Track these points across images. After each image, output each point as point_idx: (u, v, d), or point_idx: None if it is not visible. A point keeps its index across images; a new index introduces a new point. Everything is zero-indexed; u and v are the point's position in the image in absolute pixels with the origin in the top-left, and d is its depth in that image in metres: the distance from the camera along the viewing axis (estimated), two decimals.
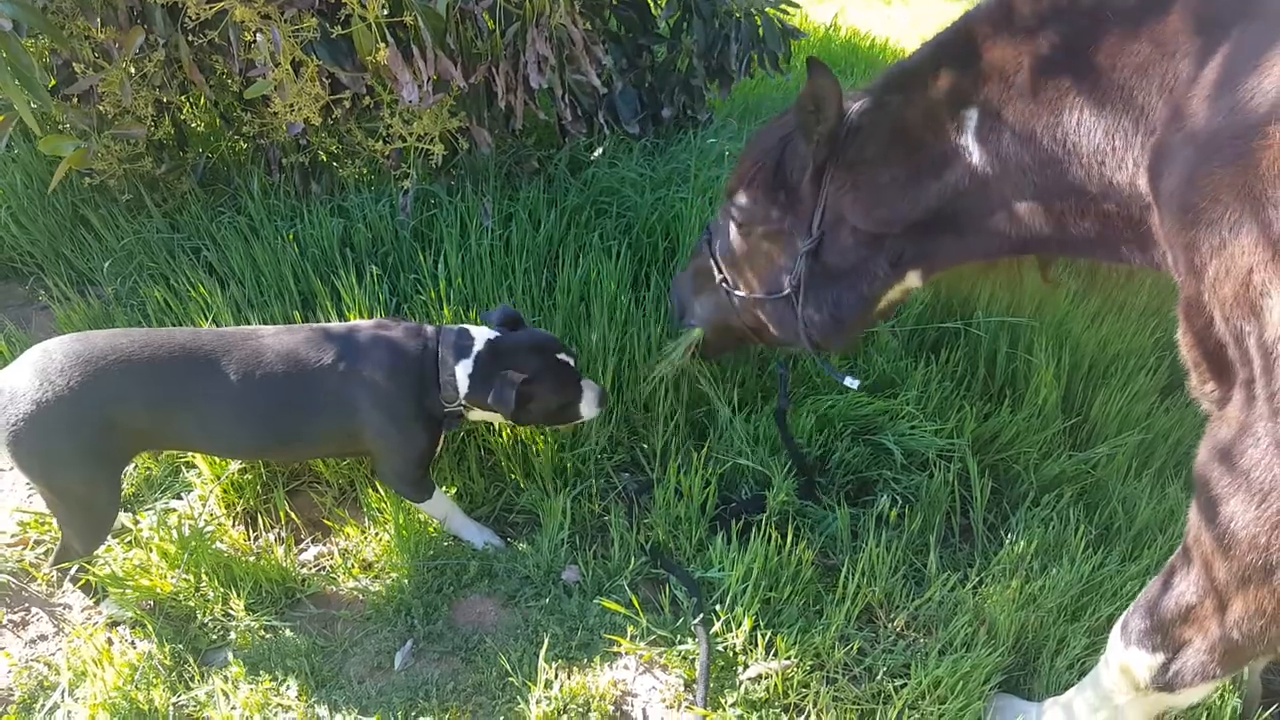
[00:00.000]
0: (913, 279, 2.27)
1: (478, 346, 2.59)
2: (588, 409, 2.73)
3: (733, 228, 2.48)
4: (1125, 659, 1.93)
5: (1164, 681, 1.86)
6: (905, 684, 2.37)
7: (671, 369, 3.00)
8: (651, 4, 4.22)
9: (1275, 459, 1.44)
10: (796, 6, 4.47)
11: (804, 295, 2.33)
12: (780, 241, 2.37)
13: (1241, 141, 1.46)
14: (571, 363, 2.68)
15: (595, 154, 4.13)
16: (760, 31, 4.34)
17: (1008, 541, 2.74)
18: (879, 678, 2.40)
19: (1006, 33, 1.85)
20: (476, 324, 2.76)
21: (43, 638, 2.57)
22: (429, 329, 2.64)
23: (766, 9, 4.31)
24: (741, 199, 2.40)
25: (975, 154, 1.94)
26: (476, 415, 2.69)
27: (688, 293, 2.81)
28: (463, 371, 2.56)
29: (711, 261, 2.59)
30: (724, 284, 2.57)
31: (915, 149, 2.03)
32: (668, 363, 2.98)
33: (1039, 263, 2.25)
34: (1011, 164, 1.89)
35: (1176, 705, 2.02)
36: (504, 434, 2.96)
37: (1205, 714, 2.31)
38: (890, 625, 2.55)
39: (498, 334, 2.64)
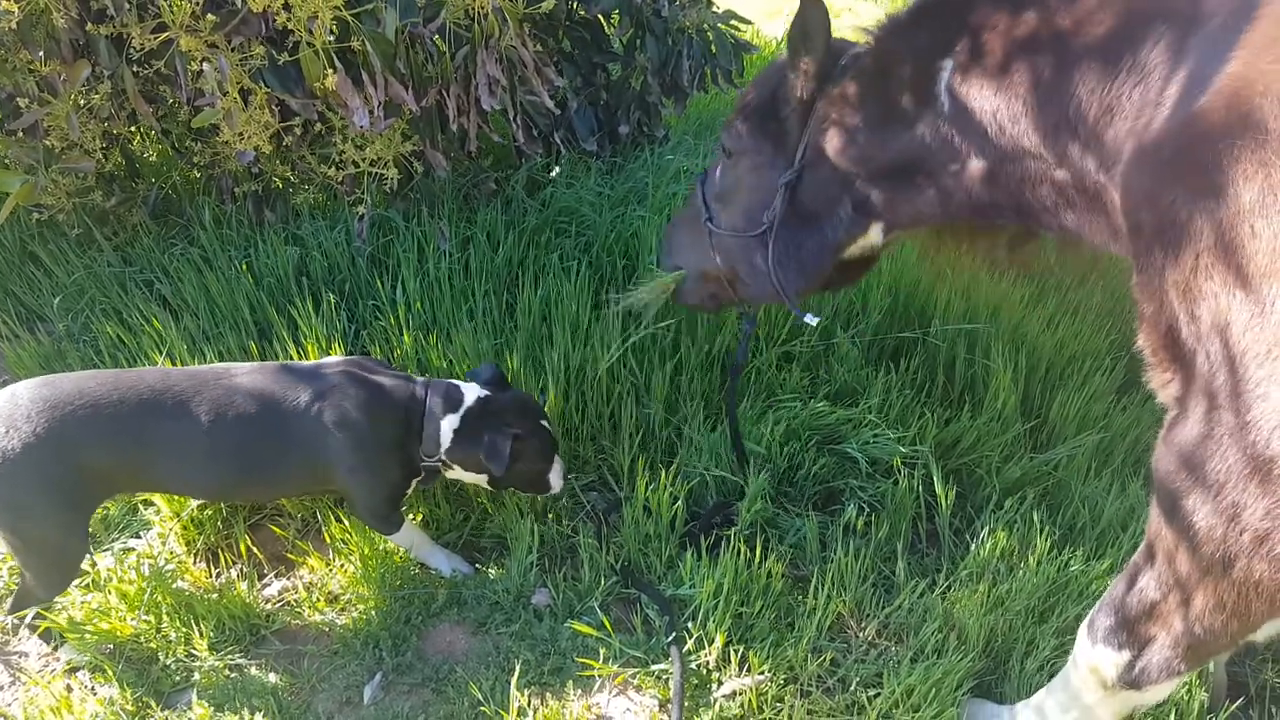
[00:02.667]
0: (875, 233, 2.27)
1: (467, 403, 2.57)
2: (556, 481, 2.73)
3: (723, 160, 2.48)
4: (1092, 657, 1.95)
5: (1130, 679, 1.88)
6: (878, 693, 2.37)
7: (640, 303, 2.89)
8: (605, 22, 4.23)
9: (1229, 449, 1.46)
10: (748, 22, 4.51)
11: (775, 233, 2.32)
12: (763, 174, 2.36)
13: (1188, 131, 1.49)
14: (551, 431, 2.69)
15: (553, 173, 4.13)
16: (712, 47, 4.37)
17: (974, 546, 2.76)
18: (852, 688, 2.40)
19: None
20: (463, 379, 2.73)
21: None
22: (419, 379, 2.63)
23: (718, 25, 4.35)
24: (734, 128, 2.40)
25: (945, 106, 1.96)
26: (454, 474, 2.67)
27: (677, 234, 2.77)
28: (448, 426, 2.53)
29: (701, 201, 2.58)
30: (708, 222, 2.53)
31: (892, 93, 2.05)
32: (637, 297, 2.88)
33: (1008, 241, 2.26)
34: (975, 120, 1.91)
35: (1144, 702, 2.04)
36: None
37: (1174, 710, 2.33)
38: (862, 634, 2.56)
39: (487, 393, 2.62)
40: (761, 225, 2.35)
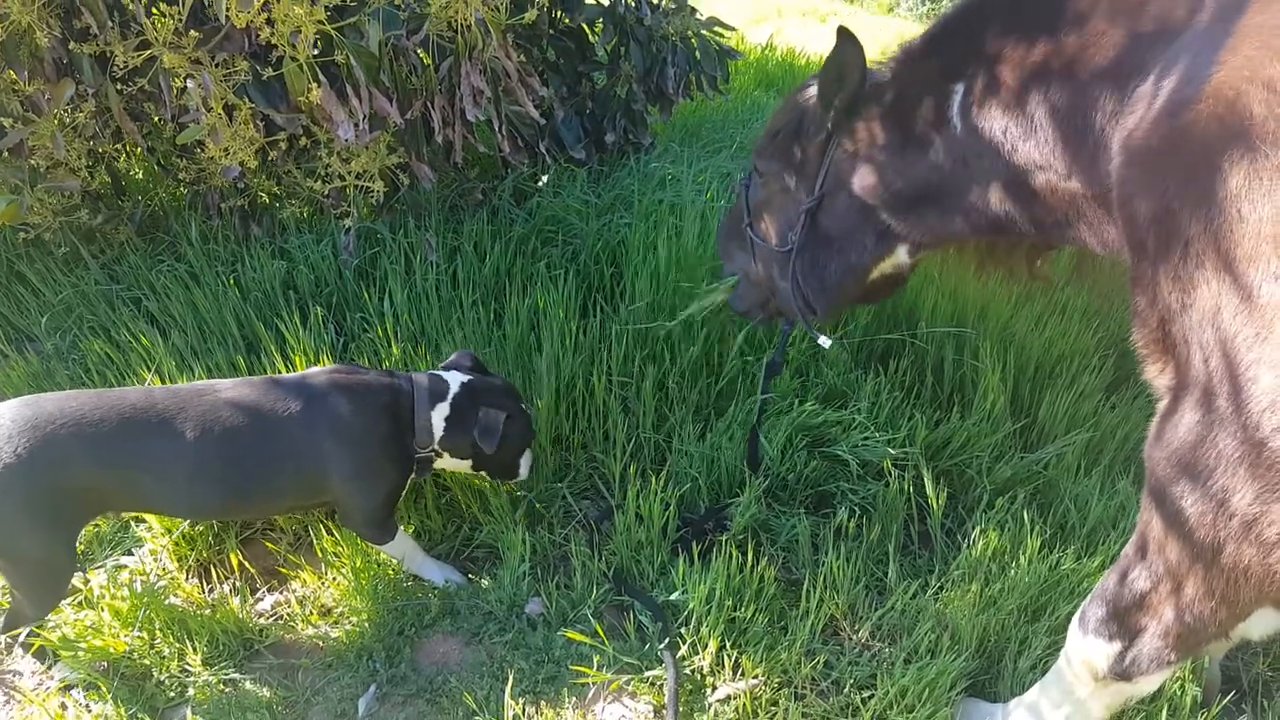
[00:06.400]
0: (901, 254, 2.32)
1: (453, 390, 2.61)
2: (525, 468, 2.80)
3: (756, 176, 2.55)
4: (1083, 649, 1.96)
5: (1121, 670, 1.89)
6: (872, 695, 2.38)
7: (703, 310, 3.03)
8: (588, 31, 4.25)
9: (1220, 434, 1.47)
10: (732, 29, 4.53)
11: (798, 255, 2.39)
12: (788, 199, 2.43)
13: (1177, 120, 1.51)
14: (530, 417, 2.74)
15: (540, 182, 4.14)
16: (696, 54, 4.39)
17: (965, 546, 2.77)
18: (846, 690, 2.41)
19: (1000, 13, 1.92)
20: (429, 369, 2.76)
21: None
22: (401, 374, 2.65)
23: (702, 31, 4.37)
24: (764, 152, 2.47)
25: (959, 128, 1.99)
26: (443, 463, 2.69)
27: (726, 237, 2.85)
28: (439, 416, 2.57)
29: (745, 205, 2.64)
30: (749, 229, 2.62)
31: (908, 121, 2.09)
32: (699, 305, 3.00)
33: (1026, 254, 2.29)
34: (987, 138, 1.94)
35: (1135, 694, 2.05)
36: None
37: (1167, 704, 2.34)
38: (855, 637, 2.57)
39: (470, 377, 2.67)
40: (788, 245, 2.42)
